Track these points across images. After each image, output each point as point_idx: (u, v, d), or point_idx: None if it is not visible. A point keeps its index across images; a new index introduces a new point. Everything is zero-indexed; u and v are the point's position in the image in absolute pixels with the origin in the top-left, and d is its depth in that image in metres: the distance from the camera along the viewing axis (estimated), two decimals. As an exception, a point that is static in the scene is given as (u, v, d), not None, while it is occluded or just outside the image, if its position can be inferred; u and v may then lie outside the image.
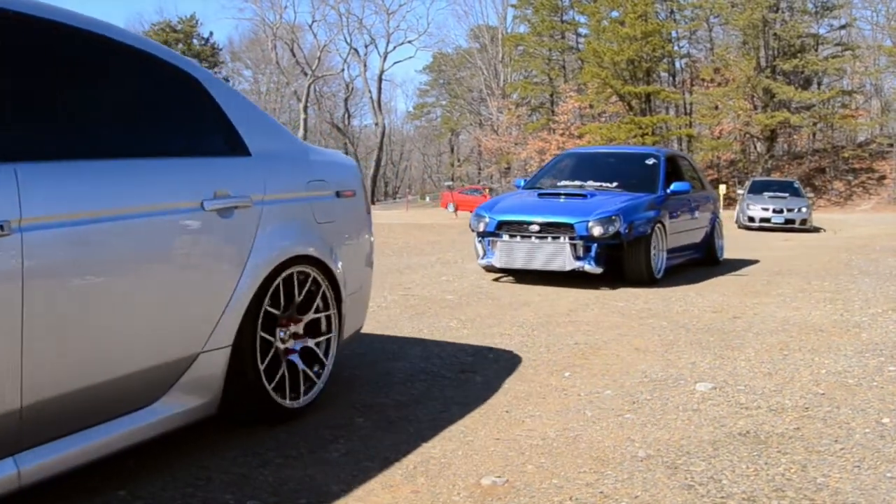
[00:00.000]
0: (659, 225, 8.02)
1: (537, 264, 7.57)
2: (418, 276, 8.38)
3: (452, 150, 71.41)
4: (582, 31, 49.55)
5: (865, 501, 2.50)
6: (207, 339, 2.80)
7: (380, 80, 58.97)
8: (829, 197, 37.80)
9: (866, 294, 6.98)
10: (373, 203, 41.16)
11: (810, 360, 4.46)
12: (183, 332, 2.73)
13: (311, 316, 3.37)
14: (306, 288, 3.32)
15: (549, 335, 5.18)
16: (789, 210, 19.81)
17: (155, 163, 2.72)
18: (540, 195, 8.44)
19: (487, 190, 41.26)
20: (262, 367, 3.03)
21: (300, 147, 3.60)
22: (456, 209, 31.23)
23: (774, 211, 19.79)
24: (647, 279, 7.71)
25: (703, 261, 9.82)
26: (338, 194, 3.62)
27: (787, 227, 19.51)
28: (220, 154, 3.05)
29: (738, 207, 22.10)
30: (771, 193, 20.63)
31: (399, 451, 2.94)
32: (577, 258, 7.46)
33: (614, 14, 42.11)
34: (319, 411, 3.41)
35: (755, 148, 41.57)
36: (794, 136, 42.44)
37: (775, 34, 39.15)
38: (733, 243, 12.86)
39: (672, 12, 44.24)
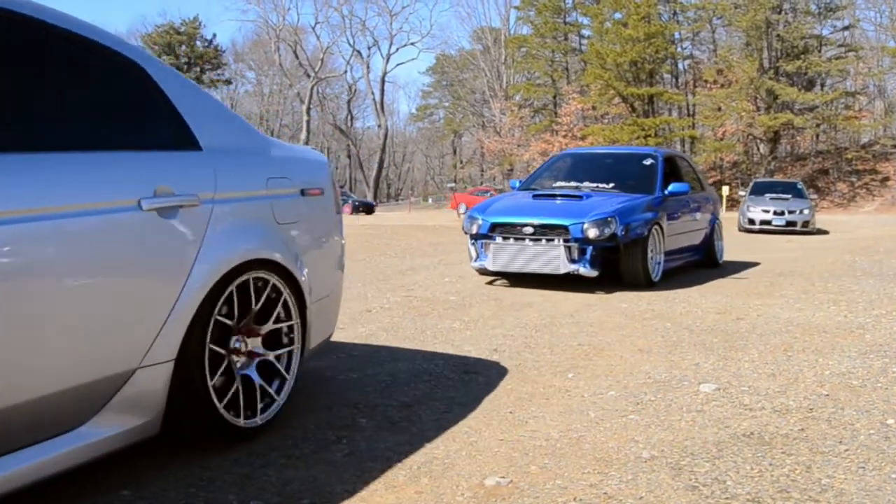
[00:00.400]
0: (656, 227, 7.86)
1: (531, 267, 7.39)
2: (421, 278, 8.38)
3: (455, 152, 71.45)
4: (585, 32, 49.65)
5: (870, 503, 2.49)
6: (145, 353, 2.52)
7: (382, 81, 59.05)
8: (833, 199, 37.77)
9: (870, 295, 6.97)
10: (375, 204, 41.14)
11: (814, 361, 4.44)
12: (115, 346, 2.45)
13: (270, 326, 3.12)
14: (265, 295, 3.06)
15: (553, 336, 5.17)
16: (790, 212, 19.20)
17: (86, 157, 2.45)
18: (535, 196, 8.25)
19: (496, 191, 41.27)
20: (211, 383, 2.76)
21: (261, 141, 3.32)
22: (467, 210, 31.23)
23: (775, 213, 19.20)
24: (645, 282, 7.58)
25: (703, 263, 9.69)
26: (303, 192, 3.36)
27: (788, 229, 18.97)
28: (165, 148, 2.78)
29: (739, 209, 21.75)
30: (773, 195, 20.12)
31: (402, 452, 2.93)
32: (572, 261, 7.30)
33: (617, 16, 42.18)
34: (322, 412, 3.41)
35: (758, 149, 41.54)
36: (798, 138, 42.41)
37: (778, 35, 39.16)
38: (735, 245, 12.84)
39: (675, 14, 44.27)
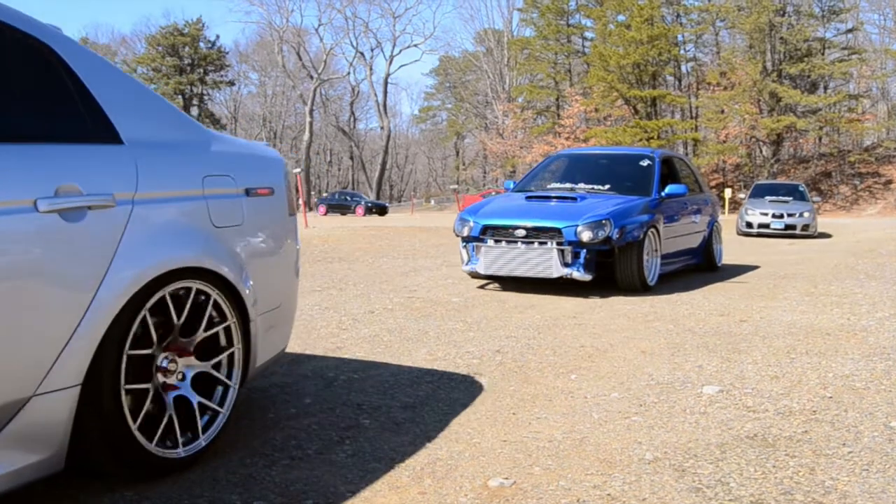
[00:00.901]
0: (652, 230, 7.71)
1: (523, 271, 7.22)
2: (423, 279, 8.38)
3: (458, 154, 71.49)
4: (588, 34, 49.70)
5: (874, 505, 2.49)
6: (43, 378, 2.18)
7: (385, 83, 59.10)
8: (836, 202, 37.75)
9: (873, 298, 6.96)
10: (388, 206, 41.12)
11: (817, 363, 4.44)
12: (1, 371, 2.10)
13: (201, 339, 2.77)
14: (203, 308, 2.76)
15: (555, 338, 5.17)
16: (790, 215, 18.57)
17: None
18: (528, 198, 8.10)
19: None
20: (127, 409, 2.42)
21: (199, 135, 2.96)
22: None
23: (774, 216, 18.60)
24: (640, 286, 7.42)
25: (701, 267, 9.54)
26: (248, 192, 3.02)
27: (787, 233, 18.37)
28: (75, 140, 2.42)
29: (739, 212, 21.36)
30: (773, 197, 19.56)
31: (406, 453, 2.93)
32: (565, 264, 7.13)
33: (620, 18, 42.19)
34: (326, 413, 3.41)
35: (761, 152, 41.53)
36: (801, 140, 42.38)
37: (782, 38, 39.16)
38: (737, 248, 12.83)
39: (678, 16, 44.26)
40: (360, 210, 40.18)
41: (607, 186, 8.38)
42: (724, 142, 40.25)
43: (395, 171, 76.53)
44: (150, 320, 2.52)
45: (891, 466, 2.80)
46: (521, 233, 7.24)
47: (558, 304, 6.60)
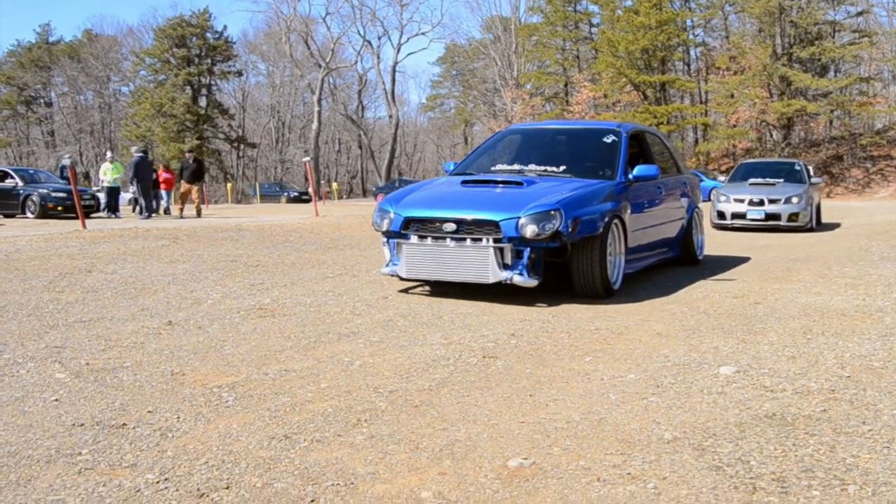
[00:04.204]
0: (617, 220, 6.36)
1: (453, 275, 5.94)
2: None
3: (466, 142, 71.26)
4: (595, 20, 49.43)
5: (896, 482, 2.47)
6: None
7: (393, 71, 58.94)
8: (847, 185, 37.53)
9: (888, 279, 6.92)
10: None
11: (834, 343, 4.42)
12: None
13: None
14: None
15: (570, 321, 5.16)
16: (772, 201, 14.01)
17: None
18: (464, 183, 6.73)
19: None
20: None
21: None
22: None
23: (751, 203, 14.19)
24: (602, 291, 6.07)
25: (679, 260, 8.30)
26: None
27: (769, 224, 14.05)
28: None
29: None
30: (757, 179, 15.24)
31: (424, 435, 2.93)
32: (505, 266, 5.81)
33: (628, 3, 42.02)
34: (343, 396, 3.42)
35: (771, 136, 41.29)
36: (811, 124, 42.10)
37: (791, 21, 38.87)
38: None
39: (687, 1, 44.00)
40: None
41: (563, 168, 6.96)
42: (735, 126, 40.06)
43: (404, 159, 76.40)
44: None
45: (912, 444, 2.79)
46: (451, 227, 5.91)
47: (572, 287, 6.45)
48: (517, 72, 53.08)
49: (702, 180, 25.89)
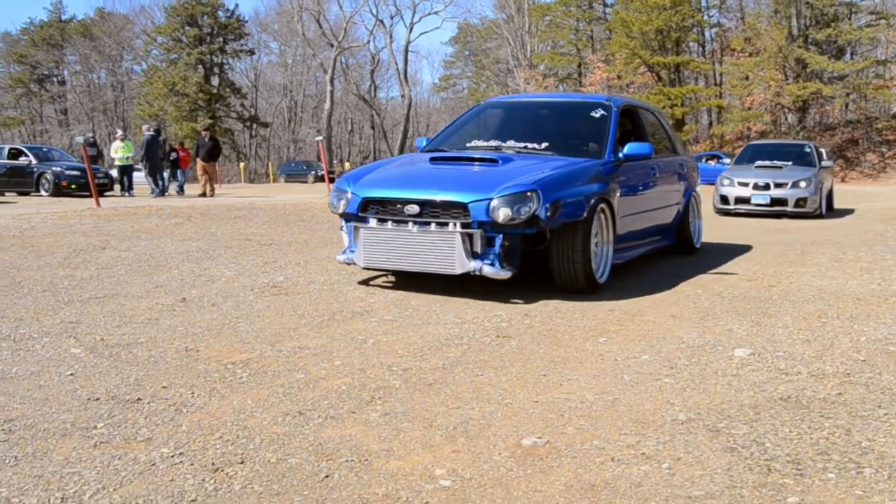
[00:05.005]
0: (603, 204, 5.66)
1: (415, 264, 5.27)
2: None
3: (479, 123, 71.00)
4: (609, 0, 49.01)
5: (912, 465, 2.46)
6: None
7: (406, 51, 58.69)
8: (862, 169, 37.22)
9: (904, 264, 6.87)
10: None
11: (849, 327, 4.40)
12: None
13: None
14: None
15: (583, 301, 5.14)
16: (779, 185, 13.28)
17: None
18: (433, 160, 6.05)
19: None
20: None
21: None
22: None
23: (756, 187, 13.44)
24: (585, 285, 5.39)
25: (674, 249, 7.64)
26: None
27: (775, 210, 13.29)
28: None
29: None
30: (763, 162, 14.48)
31: (437, 413, 2.94)
32: (474, 255, 5.15)
33: (643, -17, 41.54)
34: (357, 374, 3.42)
35: (786, 119, 40.96)
36: (827, 108, 41.74)
37: (808, 2, 38.42)
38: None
39: (702, -19, 43.56)
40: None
41: (545, 145, 6.24)
42: (749, 109, 39.76)
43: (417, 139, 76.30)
44: None
45: (928, 427, 2.77)
46: (413, 209, 5.25)
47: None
48: (530, 52, 52.79)
49: (721, 159, 25.74)
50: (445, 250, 5.14)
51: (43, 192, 19.32)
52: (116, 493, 2.23)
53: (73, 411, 2.89)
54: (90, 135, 23.71)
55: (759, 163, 14.44)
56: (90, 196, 14.51)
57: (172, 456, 2.50)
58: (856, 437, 2.69)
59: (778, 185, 13.28)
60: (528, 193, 5.08)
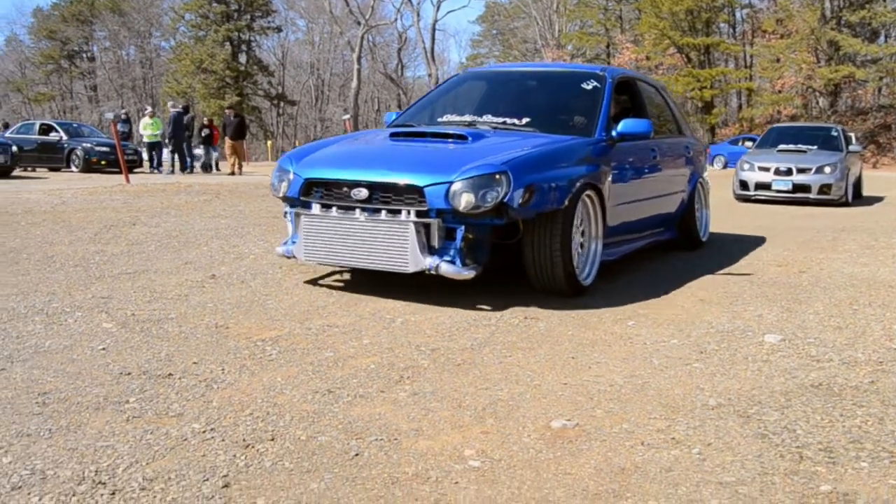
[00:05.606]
0: (591, 190, 4.82)
1: (362, 260, 4.44)
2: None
3: (505, 103, 70.72)
4: (640, -20, 48.48)
5: (947, 455, 2.43)
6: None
7: (433, 30, 58.43)
8: (894, 155, 36.68)
9: (937, 251, 6.77)
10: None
11: (881, 315, 4.35)
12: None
13: None
14: None
15: (610, 284, 5.12)
16: (801, 171, 12.56)
17: None
18: (393, 136, 5.23)
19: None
20: None
21: None
22: None
23: (778, 172, 12.75)
24: (566, 286, 4.58)
25: (676, 242, 6.79)
26: None
27: (797, 197, 12.58)
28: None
29: None
30: (787, 146, 13.71)
31: (466, 393, 2.94)
32: (430, 250, 4.31)
33: (674, -38, 41.01)
34: (385, 353, 3.43)
35: (817, 103, 40.40)
36: (859, 92, 41.10)
37: (842, -16, 37.80)
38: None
39: (734, -39, 42.94)
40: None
41: (526, 121, 5.41)
42: (780, 92, 39.25)
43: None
44: None
45: (963, 418, 2.74)
46: (362, 193, 4.42)
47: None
48: (558, 32, 52.38)
49: (754, 141, 25.41)
50: (397, 243, 4.30)
51: (73, 168, 19.51)
52: (149, 466, 2.26)
53: (106, 385, 2.93)
54: (123, 111, 23.88)
55: (782, 146, 13.74)
56: (119, 172, 14.61)
57: (203, 431, 2.52)
58: (889, 427, 2.66)
59: (801, 171, 12.61)
60: (497, 176, 4.23)
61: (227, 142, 19.98)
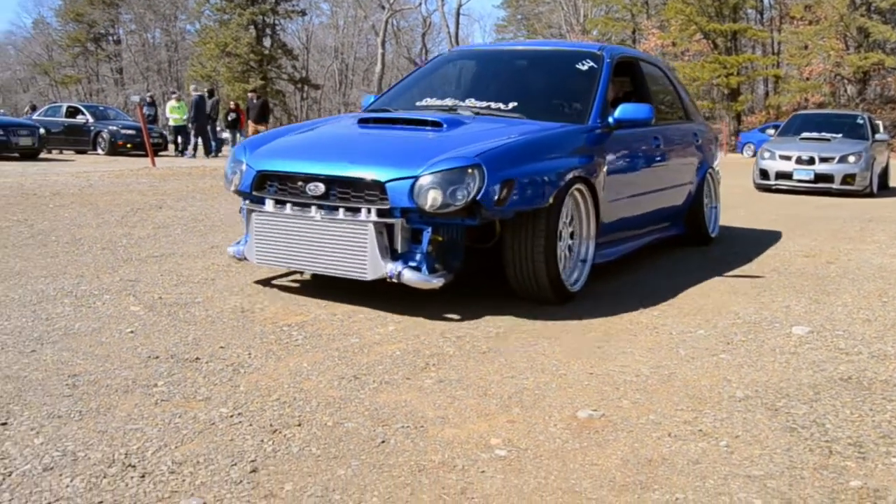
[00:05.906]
0: (581, 184, 4.31)
1: (317, 263, 3.95)
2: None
3: (529, 88, 70.37)
4: (667, -35, 47.99)
5: (979, 452, 2.40)
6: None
7: (457, 14, 58.20)
8: (923, 144, 36.17)
9: (968, 243, 6.68)
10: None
11: (911, 307, 4.29)
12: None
13: None
14: None
15: (634, 275, 5.10)
16: (824, 160, 12.12)
17: None
18: (361, 122, 4.69)
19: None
20: None
21: None
22: None
23: (799, 161, 12.31)
24: (551, 293, 4.10)
25: (683, 239, 6.28)
26: None
27: (819, 187, 12.20)
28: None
29: None
30: (810, 134, 13.26)
31: (492, 381, 2.94)
32: (393, 254, 3.83)
33: (702, -53, 40.55)
34: (411, 340, 3.43)
35: (846, 91, 39.88)
36: (889, 79, 40.47)
37: (873, -31, 37.20)
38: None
39: (764, -54, 42.39)
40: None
41: (513, 105, 4.85)
42: (808, 79, 38.76)
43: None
44: None
45: None
46: (318, 188, 3.93)
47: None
48: (583, 17, 52.01)
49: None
50: (354, 247, 3.81)
51: (99, 151, 19.65)
52: (178, 450, 2.28)
53: (134, 368, 2.95)
54: (148, 94, 24.05)
55: (805, 134, 13.26)
56: (145, 155, 14.71)
57: (231, 416, 2.54)
58: (919, 421, 2.63)
59: (823, 160, 12.17)
60: (469, 170, 3.72)
61: (251, 125, 20.07)
